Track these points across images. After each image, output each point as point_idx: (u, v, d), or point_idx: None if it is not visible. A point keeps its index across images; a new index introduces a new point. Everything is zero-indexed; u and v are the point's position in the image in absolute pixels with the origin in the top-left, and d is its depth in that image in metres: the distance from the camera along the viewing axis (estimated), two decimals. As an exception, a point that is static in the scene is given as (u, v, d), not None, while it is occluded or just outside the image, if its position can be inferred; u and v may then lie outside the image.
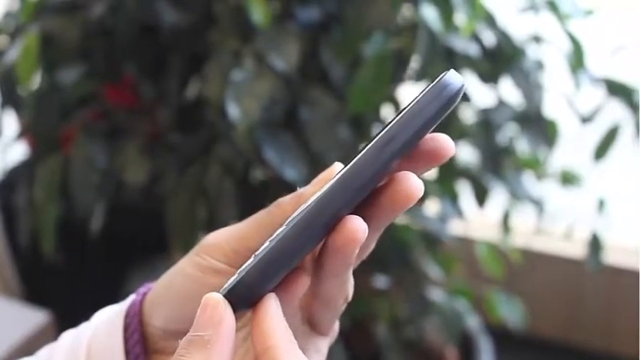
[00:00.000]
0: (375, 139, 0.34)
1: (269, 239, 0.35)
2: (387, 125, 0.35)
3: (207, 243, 0.40)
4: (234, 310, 0.34)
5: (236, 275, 0.35)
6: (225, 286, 0.35)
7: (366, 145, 0.34)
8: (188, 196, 0.87)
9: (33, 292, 1.34)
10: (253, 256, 0.35)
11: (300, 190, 0.40)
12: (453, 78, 0.35)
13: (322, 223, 0.34)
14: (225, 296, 0.34)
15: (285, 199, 0.39)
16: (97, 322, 0.44)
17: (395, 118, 0.35)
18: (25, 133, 1.00)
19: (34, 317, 1.06)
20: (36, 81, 0.91)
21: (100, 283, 1.19)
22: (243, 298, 0.34)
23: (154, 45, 0.89)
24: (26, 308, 1.10)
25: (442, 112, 0.35)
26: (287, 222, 0.34)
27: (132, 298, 0.43)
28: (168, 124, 0.89)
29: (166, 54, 0.88)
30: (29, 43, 0.81)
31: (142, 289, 0.43)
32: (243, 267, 0.35)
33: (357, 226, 0.34)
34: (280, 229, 0.34)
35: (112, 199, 0.91)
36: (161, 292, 0.42)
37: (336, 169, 0.39)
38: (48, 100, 0.87)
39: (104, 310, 0.45)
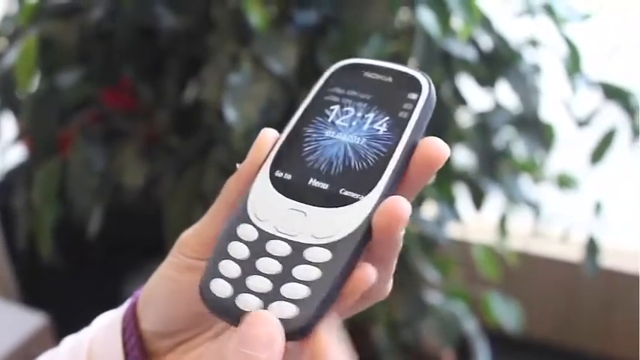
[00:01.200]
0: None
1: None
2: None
3: (179, 242, 0.40)
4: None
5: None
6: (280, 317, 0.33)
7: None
8: (185, 198, 0.87)
9: (30, 295, 1.34)
10: None
11: (239, 167, 0.40)
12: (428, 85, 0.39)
13: (363, 235, 0.35)
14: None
15: (229, 181, 0.39)
16: (97, 327, 0.44)
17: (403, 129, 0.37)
18: (23, 135, 1.00)
19: (32, 320, 1.06)
20: (34, 84, 0.92)
21: (98, 285, 1.19)
22: (299, 331, 0.33)
23: (152, 48, 0.89)
24: (24, 311, 1.10)
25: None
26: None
27: (128, 301, 0.44)
28: (166, 128, 0.89)
29: (164, 57, 0.88)
30: (27, 46, 0.81)
31: (137, 292, 0.44)
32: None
33: (400, 204, 0.34)
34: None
35: (109, 202, 0.91)
36: (147, 295, 0.42)
37: (268, 134, 0.38)
38: (46, 103, 0.88)
39: (105, 314, 0.45)
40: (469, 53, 0.85)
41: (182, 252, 0.40)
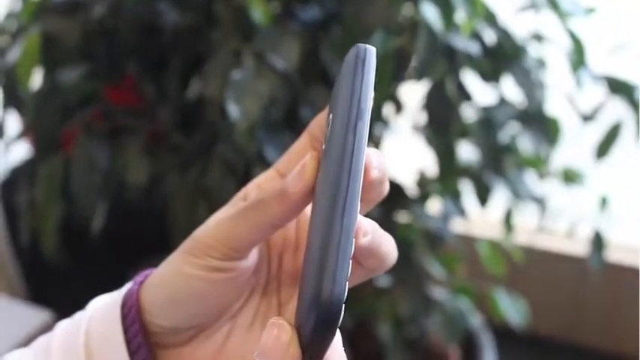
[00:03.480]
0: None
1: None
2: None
3: (204, 244, 0.40)
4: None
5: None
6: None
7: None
8: (189, 196, 0.87)
9: (35, 292, 1.35)
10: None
11: (271, 174, 0.40)
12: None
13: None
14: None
15: (269, 198, 0.39)
16: (93, 311, 0.44)
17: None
18: (27, 132, 1.00)
19: (37, 317, 1.06)
20: (38, 81, 0.92)
21: (102, 282, 1.19)
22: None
23: (155, 45, 0.89)
24: (29, 308, 1.10)
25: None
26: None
27: (128, 286, 0.43)
28: (170, 124, 0.89)
29: (167, 54, 0.88)
30: (30, 43, 0.81)
31: (138, 278, 0.43)
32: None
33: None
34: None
35: (113, 199, 0.91)
36: (161, 292, 0.42)
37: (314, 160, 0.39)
38: (49, 101, 0.88)
39: (100, 298, 0.45)
40: (473, 48, 0.85)
41: (209, 254, 0.40)
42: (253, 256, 0.42)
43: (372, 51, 0.38)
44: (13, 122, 1.03)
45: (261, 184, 0.43)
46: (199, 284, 0.40)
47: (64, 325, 0.44)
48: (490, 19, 0.88)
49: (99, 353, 0.41)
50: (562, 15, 0.89)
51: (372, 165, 0.37)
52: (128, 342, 0.41)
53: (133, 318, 0.41)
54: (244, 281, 0.42)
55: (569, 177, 1.07)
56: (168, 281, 0.41)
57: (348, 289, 0.33)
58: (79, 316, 0.44)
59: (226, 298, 0.41)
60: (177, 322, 0.41)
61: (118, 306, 0.42)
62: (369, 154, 0.37)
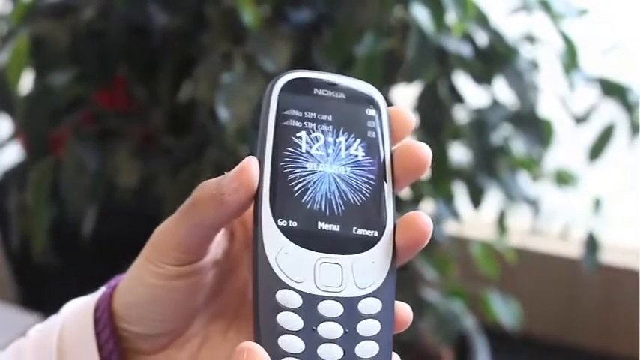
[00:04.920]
0: None
1: None
2: None
3: (157, 251, 0.39)
4: None
5: None
6: None
7: None
8: (181, 198, 0.86)
9: (26, 294, 1.34)
10: None
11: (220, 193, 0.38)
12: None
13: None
14: None
15: (207, 200, 0.37)
16: (66, 315, 0.43)
17: None
18: (18, 135, 1.00)
19: (28, 321, 1.05)
20: (29, 84, 0.91)
21: (93, 285, 1.18)
22: None
23: (145, 48, 0.88)
24: (20, 312, 1.10)
25: None
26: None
27: (102, 290, 0.43)
28: (161, 127, 0.89)
29: (158, 57, 0.88)
30: (19, 45, 0.81)
31: (112, 282, 0.43)
32: None
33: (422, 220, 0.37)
34: None
35: (104, 202, 0.91)
36: (128, 299, 0.41)
37: (254, 168, 0.36)
38: (39, 104, 0.87)
39: (75, 301, 0.44)
40: (465, 50, 0.85)
41: (165, 261, 0.38)
42: (212, 252, 0.40)
43: (277, 85, 0.37)
44: (5, 125, 1.02)
45: (206, 183, 0.39)
46: (160, 292, 0.39)
47: (38, 327, 0.44)
48: (482, 20, 0.88)
49: (71, 357, 0.41)
50: (554, 17, 0.89)
51: None
52: (100, 347, 0.40)
53: (104, 323, 0.41)
54: (208, 280, 0.41)
55: (563, 179, 1.07)
56: (133, 288, 0.40)
57: None
58: (53, 318, 0.44)
59: (193, 302, 0.40)
60: (147, 329, 0.40)
61: (92, 309, 0.41)
62: None
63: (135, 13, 0.85)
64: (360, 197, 0.36)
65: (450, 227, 1.04)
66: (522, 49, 0.92)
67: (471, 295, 1.09)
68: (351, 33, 0.78)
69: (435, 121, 0.86)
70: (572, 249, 1.34)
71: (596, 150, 0.98)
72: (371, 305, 0.35)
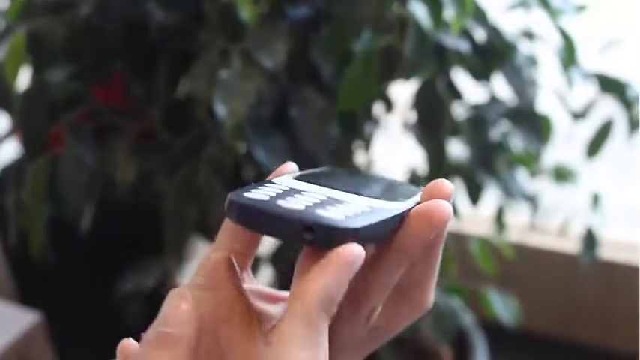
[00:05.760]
0: None
1: None
2: None
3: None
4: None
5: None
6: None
7: None
8: (179, 195, 0.86)
9: (24, 290, 1.34)
10: None
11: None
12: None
13: None
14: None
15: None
16: None
17: None
18: (16, 132, 0.99)
19: (25, 318, 1.05)
20: (26, 81, 0.91)
21: (91, 282, 1.18)
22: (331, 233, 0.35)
23: (142, 44, 0.88)
24: (17, 309, 1.10)
25: None
26: None
27: None
28: (158, 124, 0.89)
29: (155, 53, 0.87)
30: (16, 42, 0.80)
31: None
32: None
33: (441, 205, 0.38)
34: None
35: (102, 199, 0.91)
36: None
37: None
38: (37, 101, 0.87)
39: None
40: (463, 46, 0.85)
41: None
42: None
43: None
44: (2, 122, 1.02)
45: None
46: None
47: None
48: (480, 17, 0.87)
49: None
50: (552, 13, 0.89)
51: None
52: None
53: None
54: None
55: (561, 175, 1.07)
56: None
57: None
58: None
59: None
60: None
61: None
62: None
63: (132, 9, 0.85)
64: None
65: (449, 224, 1.04)
66: (520, 45, 0.92)
67: (470, 291, 1.09)
68: (349, 29, 0.78)
69: (433, 117, 0.86)
70: (571, 245, 1.34)
71: (595, 146, 0.98)
72: (357, 202, 0.37)
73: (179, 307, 0.35)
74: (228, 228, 0.40)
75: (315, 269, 0.34)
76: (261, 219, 0.35)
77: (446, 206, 0.38)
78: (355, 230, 0.34)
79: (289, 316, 0.34)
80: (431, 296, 0.43)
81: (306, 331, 0.33)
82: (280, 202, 0.35)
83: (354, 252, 0.34)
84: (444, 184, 0.39)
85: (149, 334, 0.36)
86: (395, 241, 0.38)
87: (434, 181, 0.39)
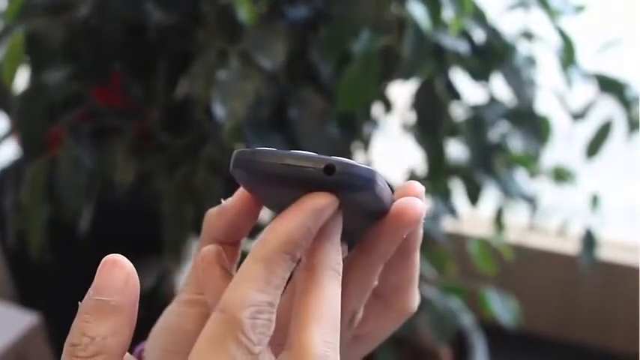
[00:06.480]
0: None
1: None
2: None
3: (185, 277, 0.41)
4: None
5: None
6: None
7: None
8: (177, 196, 0.86)
9: (23, 292, 1.34)
10: None
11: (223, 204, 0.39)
12: None
13: None
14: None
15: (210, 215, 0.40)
16: None
17: None
18: (14, 133, 0.99)
19: (24, 319, 1.05)
20: (24, 82, 0.91)
21: (90, 282, 1.18)
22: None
23: (141, 45, 0.88)
24: (16, 310, 1.10)
25: None
26: None
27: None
28: (157, 125, 0.89)
29: (154, 54, 0.87)
30: (14, 43, 0.80)
31: (139, 347, 0.42)
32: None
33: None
34: None
35: (100, 200, 0.91)
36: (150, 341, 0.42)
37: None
38: (35, 101, 0.87)
39: None
40: (462, 47, 0.84)
41: (185, 290, 0.40)
42: None
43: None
44: (1, 123, 1.02)
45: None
46: (174, 319, 0.40)
47: None
48: (479, 17, 0.87)
49: None
50: (552, 13, 0.89)
51: None
52: None
53: None
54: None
55: (560, 175, 1.07)
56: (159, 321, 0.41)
57: None
58: None
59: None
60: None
61: None
62: None
63: (130, 10, 0.85)
64: None
65: (448, 224, 1.04)
66: (520, 45, 0.91)
67: (469, 292, 1.09)
68: (347, 30, 0.78)
69: (432, 118, 0.86)
70: (571, 245, 1.34)
71: (594, 146, 0.98)
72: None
73: (113, 273, 0.34)
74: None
75: (283, 214, 0.33)
76: (274, 166, 0.33)
77: (418, 203, 0.37)
78: (373, 178, 0.34)
79: (249, 257, 0.33)
80: (413, 301, 0.43)
81: (264, 272, 0.32)
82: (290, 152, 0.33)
83: (324, 200, 0.33)
84: (415, 184, 0.39)
85: (85, 304, 0.34)
86: (367, 241, 0.38)
87: (405, 182, 0.39)
